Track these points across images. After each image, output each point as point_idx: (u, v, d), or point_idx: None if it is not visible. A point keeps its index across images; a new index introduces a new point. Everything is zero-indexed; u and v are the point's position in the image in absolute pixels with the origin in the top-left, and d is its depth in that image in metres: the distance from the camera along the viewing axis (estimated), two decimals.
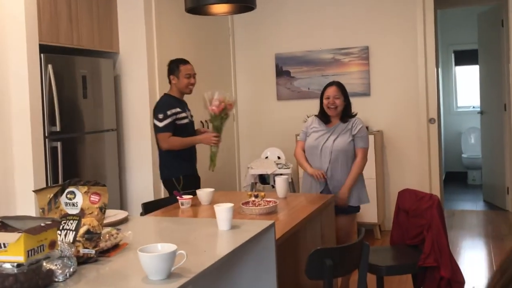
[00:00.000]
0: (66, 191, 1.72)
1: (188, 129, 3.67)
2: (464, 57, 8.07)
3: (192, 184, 3.56)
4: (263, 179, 5.13)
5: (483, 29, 6.46)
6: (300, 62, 5.56)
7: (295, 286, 3.03)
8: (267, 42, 5.72)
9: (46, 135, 3.48)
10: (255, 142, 5.77)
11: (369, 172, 4.84)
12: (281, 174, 5.14)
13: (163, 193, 4.29)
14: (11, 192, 3.31)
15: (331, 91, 3.48)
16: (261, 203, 2.79)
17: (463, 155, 7.94)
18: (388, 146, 5.32)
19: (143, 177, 4.23)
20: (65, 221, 1.69)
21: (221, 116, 3.44)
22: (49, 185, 3.43)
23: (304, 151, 3.60)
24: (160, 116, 3.55)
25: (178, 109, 3.60)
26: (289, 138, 5.48)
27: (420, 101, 5.16)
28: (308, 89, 5.54)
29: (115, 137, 4.19)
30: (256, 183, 5.05)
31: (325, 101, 3.49)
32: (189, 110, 3.76)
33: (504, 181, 5.92)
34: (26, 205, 3.27)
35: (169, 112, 3.55)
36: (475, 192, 7.16)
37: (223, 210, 2.06)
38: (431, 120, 5.18)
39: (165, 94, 3.75)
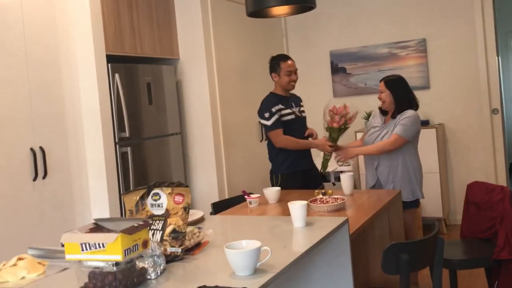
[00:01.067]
0: (152, 193, 1.82)
1: (292, 125, 3.66)
2: None
3: (292, 181, 3.62)
4: (323, 176, 5.15)
5: None
6: (356, 58, 5.53)
7: (365, 281, 3.04)
8: (321, 40, 5.72)
9: (117, 141, 3.64)
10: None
11: (432, 165, 4.78)
12: (341, 172, 5.16)
13: (227, 193, 4.38)
14: (85, 195, 3.48)
15: (379, 86, 3.54)
16: (329, 200, 2.82)
17: None
18: (451, 139, 5.21)
19: (207, 178, 4.34)
20: (151, 222, 1.79)
21: (340, 128, 3.48)
22: (121, 188, 3.59)
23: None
24: (266, 115, 3.64)
25: (281, 106, 3.65)
26: (348, 135, 5.44)
27: (482, 92, 5.03)
28: (365, 84, 5.50)
29: (179, 140, 4.32)
30: None
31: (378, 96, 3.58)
32: (298, 106, 3.78)
33: None
34: (101, 207, 3.44)
35: (273, 110, 3.62)
36: None
37: (298, 208, 2.10)
38: (494, 111, 5.04)
39: (270, 92, 3.82)
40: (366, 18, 5.48)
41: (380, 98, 3.53)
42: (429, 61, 5.23)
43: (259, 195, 3.10)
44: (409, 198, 3.39)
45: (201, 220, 2.36)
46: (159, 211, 1.81)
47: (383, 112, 3.58)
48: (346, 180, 3.20)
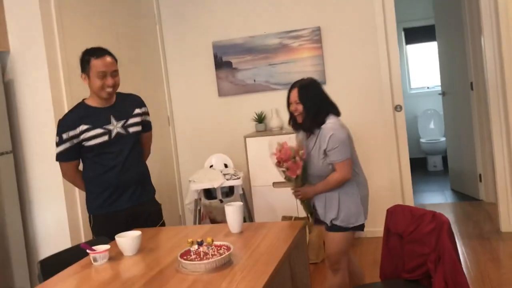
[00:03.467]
0: None
1: (105, 149, 2.60)
2: (415, 35, 7.51)
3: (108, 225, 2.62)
4: (209, 193, 4.28)
5: (440, 3, 5.86)
6: (243, 51, 4.73)
7: None
8: (202, 29, 4.85)
9: None
10: (196, 149, 4.89)
11: None
12: (229, 193, 4.32)
13: (83, 231, 3.36)
14: None
15: (292, 95, 2.75)
16: (208, 252, 1.96)
17: (421, 140, 7.39)
18: None
19: (54, 210, 3.28)
20: None
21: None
22: None
23: None
24: (56, 139, 2.62)
25: (85, 126, 2.57)
26: (237, 141, 4.66)
27: (384, 87, 4.46)
28: (254, 81, 4.72)
29: (11, 161, 3.22)
30: (200, 199, 4.20)
31: (290, 108, 2.80)
32: (124, 118, 2.66)
33: (475, 167, 5.36)
34: None
35: (64, 136, 2.57)
36: (439, 180, 6.62)
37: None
38: (397, 108, 4.49)
39: (80, 102, 2.70)
40: (253, 4, 4.69)
41: (295, 111, 2.74)
42: (324, 52, 4.56)
43: (108, 246, 2.16)
44: (344, 221, 2.73)
45: None
46: None
47: (295, 126, 2.83)
48: (232, 214, 2.35)
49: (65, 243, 3.15)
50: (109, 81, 2.56)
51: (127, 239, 2.16)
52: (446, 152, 6.27)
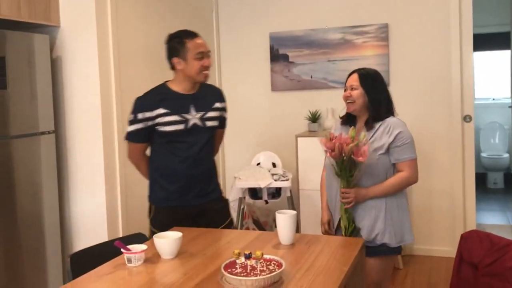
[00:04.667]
0: None
1: (179, 138, 2.43)
2: (484, 42, 7.01)
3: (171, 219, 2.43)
4: (255, 192, 4.04)
5: None
6: (301, 44, 4.44)
7: None
8: (260, 19, 4.59)
9: None
10: (244, 145, 4.64)
11: None
12: (275, 194, 4.04)
13: (121, 217, 3.18)
14: None
15: (350, 80, 2.42)
16: (256, 266, 1.70)
17: (482, 154, 6.90)
18: None
19: (93, 196, 3.11)
20: None
21: (343, 160, 2.24)
22: None
23: None
24: (130, 117, 2.44)
25: (163, 110, 2.39)
26: (287, 140, 4.39)
27: (454, 94, 4.08)
28: (311, 77, 4.43)
29: (53, 141, 3.06)
30: (244, 197, 3.96)
31: (343, 94, 2.43)
32: (204, 110, 2.48)
33: None
34: None
35: (140, 115, 2.40)
36: (499, 199, 6.15)
37: None
38: (466, 118, 4.11)
39: (162, 84, 2.52)
40: None
41: (348, 97, 2.39)
42: (391, 52, 4.22)
43: (145, 247, 1.93)
44: (394, 241, 2.34)
45: None
46: None
47: (347, 120, 2.47)
48: (284, 224, 2.08)
49: (101, 235, 2.99)
50: (207, 61, 2.42)
51: (167, 241, 1.93)
52: (509, 169, 5.81)
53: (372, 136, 2.34)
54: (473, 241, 2.10)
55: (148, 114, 2.38)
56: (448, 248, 4.13)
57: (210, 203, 2.53)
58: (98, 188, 3.08)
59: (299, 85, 4.47)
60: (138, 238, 2.26)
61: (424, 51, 4.15)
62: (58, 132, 3.13)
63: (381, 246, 2.32)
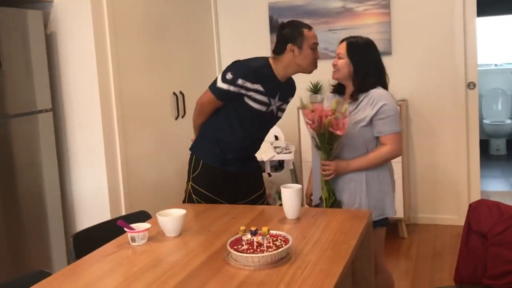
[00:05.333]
0: None
1: (256, 119, 2.51)
2: (487, 6, 6.87)
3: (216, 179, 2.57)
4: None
5: None
6: (301, 13, 4.34)
7: None
8: None
9: None
10: None
11: None
12: (278, 167, 4.00)
13: (123, 196, 3.15)
14: None
15: (339, 48, 2.37)
16: (263, 242, 1.67)
17: (484, 121, 6.85)
18: (415, 119, 4.19)
19: (93, 173, 3.07)
20: None
21: (323, 132, 2.21)
22: None
23: None
24: (228, 75, 2.44)
25: (257, 87, 2.42)
26: (289, 112, 4.28)
27: (457, 61, 4.01)
28: None
29: (51, 119, 3.01)
30: None
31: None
32: (282, 100, 2.55)
33: None
34: None
35: (240, 81, 2.41)
36: (502, 165, 6.14)
37: None
38: (470, 85, 4.04)
39: (266, 59, 2.53)
40: None
41: (334, 65, 2.35)
42: (392, 20, 4.13)
43: (148, 225, 1.90)
44: (379, 215, 2.31)
45: None
46: None
47: (337, 89, 2.43)
48: (289, 198, 2.05)
49: (104, 213, 2.96)
50: (318, 54, 2.48)
51: (170, 219, 1.90)
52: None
53: (356, 107, 2.28)
54: (481, 211, 2.07)
55: (248, 85, 2.40)
56: (452, 216, 4.12)
57: (248, 174, 2.63)
58: (98, 165, 3.04)
59: None
60: (141, 215, 2.23)
61: (426, 18, 4.06)
62: (55, 110, 3.08)
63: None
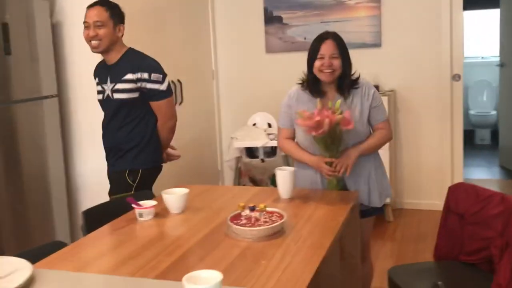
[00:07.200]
0: None
1: (101, 106, 2.65)
2: (471, 1, 7.06)
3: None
4: (251, 151, 4.18)
5: None
6: (295, 5, 4.50)
7: None
8: None
9: None
10: (240, 106, 4.75)
11: None
12: (271, 153, 4.18)
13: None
14: None
15: (327, 47, 2.24)
16: (260, 218, 1.85)
17: (470, 112, 7.07)
18: (402, 109, 4.38)
19: (97, 158, 3.22)
20: None
21: (334, 134, 2.17)
22: None
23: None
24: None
25: (96, 80, 2.66)
26: (281, 99, 4.48)
27: (444, 54, 4.19)
28: (305, 39, 4.51)
29: (56, 105, 3.15)
30: (241, 157, 4.10)
31: (317, 63, 2.26)
32: (113, 82, 2.50)
33: None
34: None
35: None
36: (486, 155, 6.35)
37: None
38: (455, 77, 4.23)
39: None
40: None
41: (329, 66, 2.23)
42: (383, 13, 4.30)
43: (155, 202, 2.07)
44: (380, 202, 2.39)
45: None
46: None
47: (313, 87, 2.31)
48: (284, 180, 2.23)
49: (105, 194, 3.11)
50: (91, 32, 2.48)
51: (175, 197, 2.07)
52: (496, 126, 5.98)
53: (351, 102, 2.30)
54: (459, 193, 2.26)
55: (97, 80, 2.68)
56: (436, 202, 4.32)
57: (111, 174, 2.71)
58: (101, 149, 3.18)
59: (293, 46, 4.55)
60: (145, 195, 2.39)
61: (415, 12, 4.23)
62: (61, 96, 3.22)
63: (370, 208, 2.37)
